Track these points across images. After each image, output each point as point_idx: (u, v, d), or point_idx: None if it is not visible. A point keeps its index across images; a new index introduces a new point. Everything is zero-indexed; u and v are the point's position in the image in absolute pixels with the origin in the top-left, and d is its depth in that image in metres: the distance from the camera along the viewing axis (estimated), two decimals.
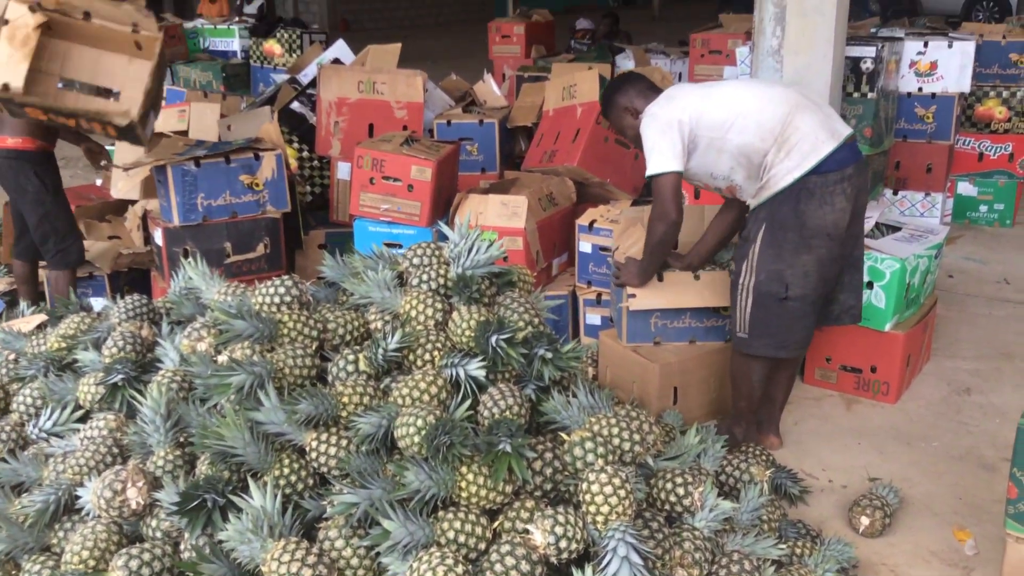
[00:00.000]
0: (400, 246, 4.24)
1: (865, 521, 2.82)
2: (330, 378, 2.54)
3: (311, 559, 2.02)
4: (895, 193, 5.66)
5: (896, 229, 3.94)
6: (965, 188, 6.09)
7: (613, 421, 2.36)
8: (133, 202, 5.20)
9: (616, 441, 2.32)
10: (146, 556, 2.19)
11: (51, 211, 4.31)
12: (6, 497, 2.51)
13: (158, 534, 2.30)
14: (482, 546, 2.12)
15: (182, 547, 2.25)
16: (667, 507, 2.34)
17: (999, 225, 6.12)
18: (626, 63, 6.67)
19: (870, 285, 3.60)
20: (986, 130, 5.97)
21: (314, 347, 2.62)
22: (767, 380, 3.32)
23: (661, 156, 3.12)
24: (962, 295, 4.85)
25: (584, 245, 4.18)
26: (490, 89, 5.79)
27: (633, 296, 3.46)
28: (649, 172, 3.14)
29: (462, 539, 2.10)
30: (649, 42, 8.59)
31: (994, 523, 2.81)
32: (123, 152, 5.25)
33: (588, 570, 2.03)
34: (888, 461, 3.27)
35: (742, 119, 3.11)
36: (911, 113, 5.49)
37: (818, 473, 3.21)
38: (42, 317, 3.68)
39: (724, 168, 3.20)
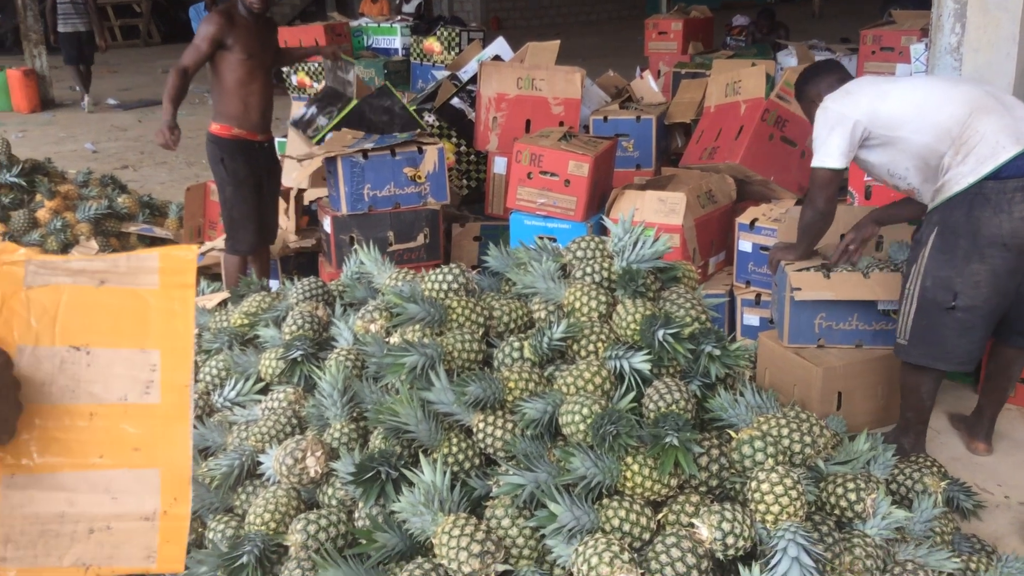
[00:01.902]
0: (555, 240, 4.30)
1: None
2: (495, 363, 2.60)
3: (480, 535, 2.09)
4: None
5: None
6: None
7: (783, 422, 2.32)
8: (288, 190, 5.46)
9: (786, 442, 2.28)
10: (323, 522, 2.31)
11: (229, 199, 4.60)
12: (195, 460, 2.70)
13: (333, 502, 2.43)
14: (646, 536, 2.13)
15: (356, 515, 2.36)
16: (837, 512, 2.28)
17: None
18: (788, 60, 6.50)
19: None
20: None
21: (480, 333, 2.69)
22: (937, 391, 3.20)
23: (824, 150, 3.11)
24: None
25: (744, 244, 4.12)
26: (647, 85, 5.77)
27: (799, 289, 3.39)
28: (812, 164, 3.15)
29: (627, 527, 2.11)
30: (808, 39, 8.34)
31: None
32: (294, 144, 5.54)
33: (755, 568, 2.01)
34: None
35: (919, 119, 3.00)
36: None
37: (993, 488, 3.05)
38: (223, 295, 3.93)
39: (900, 168, 3.10)
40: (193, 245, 1.36)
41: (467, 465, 2.38)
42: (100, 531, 1.20)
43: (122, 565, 1.21)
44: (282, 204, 5.12)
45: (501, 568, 2.10)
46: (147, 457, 1.22)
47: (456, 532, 2.09)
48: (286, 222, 5.24)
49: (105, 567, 1.20)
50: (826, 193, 3.13)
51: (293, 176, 5.16)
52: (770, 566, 2.00)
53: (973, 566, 2.49)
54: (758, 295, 4.10)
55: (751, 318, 4.15)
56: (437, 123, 5.78)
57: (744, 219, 4.12)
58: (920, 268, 3.04)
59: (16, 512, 1.16)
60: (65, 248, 5.53)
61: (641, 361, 2.43)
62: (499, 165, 5.37)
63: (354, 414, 2.60)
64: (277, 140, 5.25)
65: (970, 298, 2.95)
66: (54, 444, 1.18)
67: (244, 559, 2.24)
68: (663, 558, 2.02)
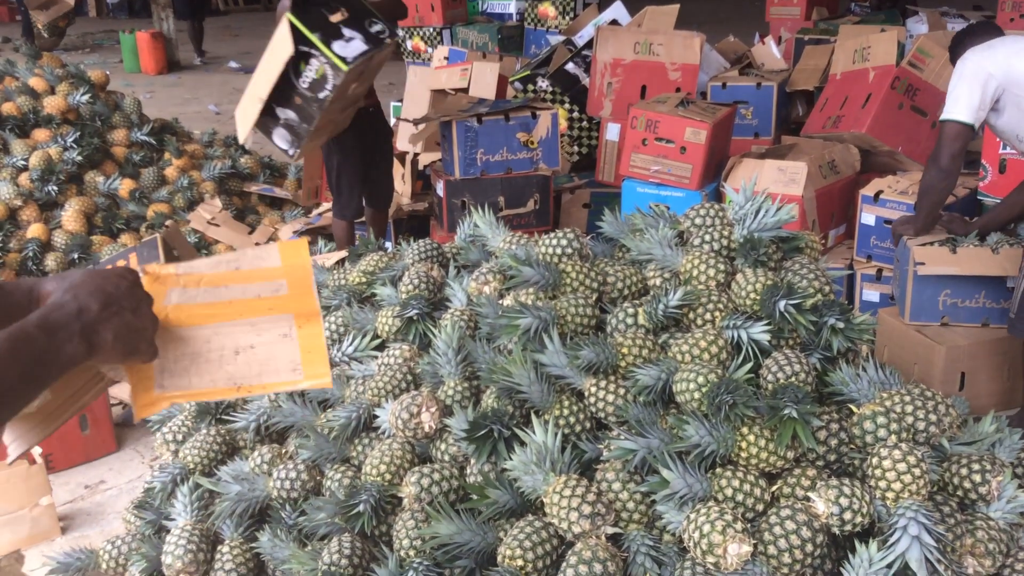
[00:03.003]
0: (667, 208, 4.26)
1: None
2: (608, 329, 2.60)
3: (591, 496, 2.10)
4: None
5: None
6: None
7: (908, 399, 2.25)
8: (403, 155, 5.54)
9: (910, 419, 2.21)
10: (436, 476, 2.37)
11: (336, 167, 4.70)
12: (314, 410, 2.81)
13: (446, 457, 2.48)
14: (759, 507, 2.11)
15: (468, 472, 2.42)
16: (960, 493, 2.21)
17: None
18: (918, 27, 6.20)
19: None
20: None
21: (594, 298, 2.69)
22: None
23: (956, 103, 3.01)
24: None
25: (867, 217, 3.98)
26: (769, 51, 5.60)
27: (922, 263, 3.26)
28: (941, 117, 3.05)
29: (740, 498, 2.10)
30: (939, 6, 7.91)
31: None
32: (410, 107, 5.63)
33: (873, 545, 1.97)
34: None
35: None
36: None
37: None
38: (341, 254, 4.05)
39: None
40: (304, 239, 1.52)
41: (578, 428, 2.40)
42: (245, 351, 1.30)
43: (271, 380, 1.30)
44: (398, 168, 5.21)
45: (611, 530, 2.11)
46: (281, 309, 1.34)
47: (567, 492, 2.12)
48: (402, 186, 5.34)
49: (256, 383, 1.29)
50: (951, 149, 3.01)
51: (408, 140, 5.24)
52: (888, 544, 1.95)
53: None
54: (879, 270, 3.97)
55: (871, 294, 4.02)
56: (551, 88, 5.76)
57: (868, 191, 3.98)
58: None
59: (168, 347, 1.26)
60: (191, 205, 5.78)
61: (761, 331, 2.39)
62: (612, 132, 5.32)
63: (467, 373, 2.64)
64: (392, 104, 5.35)
65: None
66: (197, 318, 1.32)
67: (360, 508, 2.32)
68: (776, 530, 1.99)
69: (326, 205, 5.55)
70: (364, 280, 3.31)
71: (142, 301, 1.21)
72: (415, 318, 2.90)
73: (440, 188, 4.83)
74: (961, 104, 2.98)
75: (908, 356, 3.41)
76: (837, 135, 4.39)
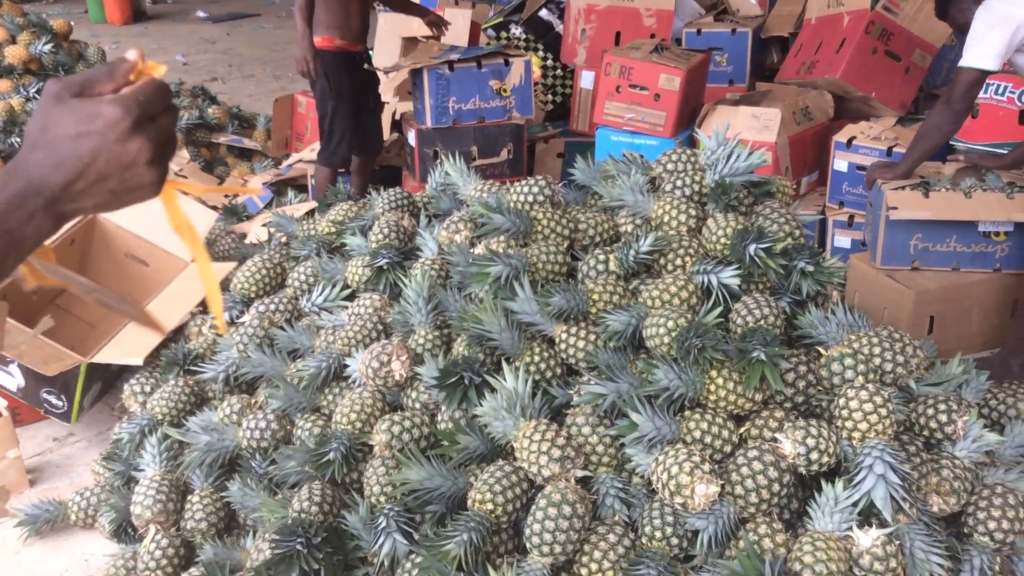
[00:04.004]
0: (641, 157, 4.23)
1: None
2: (580, 276, 2.59)
3: (560, 441, 2.11)
4: None
5: None
6: None
7: (876, 341, 2.26)
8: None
9: (877, 360, 2.23)
10: (407, 423, 2.37)
11: (330, 113, 4.58)
12: (283, 361, 2.79)
13: (417, 405, 2.48)
14: (727, 449, 2.12)
15: (438, 418, 2.41)
16: (926, 433, 2.23)
17: None
18: None
19: None
20: None
21: (565, 245, 2.68)
22: None
23: (979, 51, 2.96)
24: None
25: (840, 163, 3.97)
26: None
27: (895, 208, 3.27)
28: (962, 63, 2.99)
29: (708, 440, 2.11)
30: None
31: None
32: (381, 55, 5.53)
33: (839, 484, 1.99)
34: None
35: None
36: None
37: None
38: (311, 204, 4.00)
39: None
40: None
41: (549, 374, 2.40)
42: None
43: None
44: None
45: (580, 473, 2.12)
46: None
47: (537, 437, 2.12)
48: (387, 136, 5.24)
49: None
50: (969, 96, 3.00)
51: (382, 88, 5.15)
52: (854, 482, 1.97)
53: None
54: (851, 217, 3.98)
55: (842, 240, 4.03)
56: (524, 36, 5.67)
57: (841, 137, 3.97)
58: None
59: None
60: None
61: (730, 276, 2.39)
62: (586, 79, 5.26)
63: (438, 322, 2.63)
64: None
65: None
66: None
67: (331, 455, 2.31)
68: (744, 471, 2.01)
69: (296, 156, 5.47)
70: (333, 230, 3.27)
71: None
72: (385, 267, 2.87)
73: (412, 137, 4.77)
74: (987, 51, 2.93)
75: (878, 301, 3.43)
76: (811, 81, 4.37)
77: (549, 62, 5.72)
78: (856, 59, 4.21)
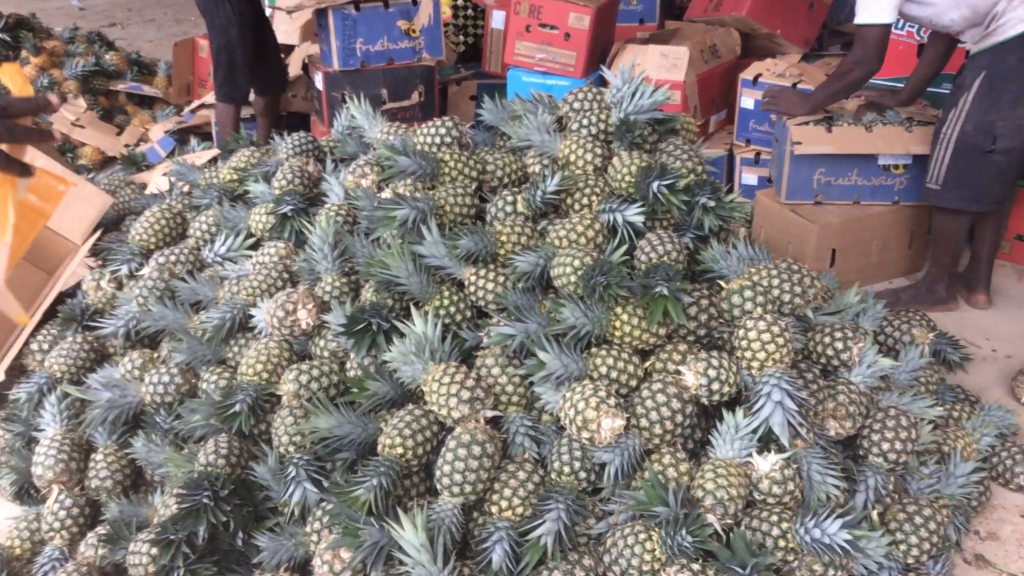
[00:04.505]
0: (550, 97, 4.22)
1: None
2: (488, 218, 2.57)
3: (470, 382, 2.11)
4: None
5: None
6: None
7: (774, 272, 2.31)
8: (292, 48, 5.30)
9: (776, 292, 2.28)
10: (315, 372, 2.34)
11: (232, 42, 4.37)
12: (186, 313, 2.72)
13: (325, 353, 2.45)
14: (633, 383, 2.16)
15: (348, 366, 2.39)
16: (823, 360, 2.30)
17: None
18: None
19: None
20: None
21: (473, 187, 2.65)
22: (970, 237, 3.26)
23: (876, 7, 2.99)
24: None
25: (746, 101, 4.01)
26: None
27: (799, 143, 3.32)
28: (859, 20, 3.02)
29: (614, 375, 2.14)
30: None
31: None
32: None
33: (739, 412, 2.04)
34: None
35: None
36: None
37: (981, 342, 3.08)
38: (214, 152, 3.87)
39: (946, 19, 3.04)
40: None
41: (458, 317, 2.39)
42: None
43: None
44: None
45: (490, 414, 2.13)
46: None
47: (446, 380, 2.11)
48: (295, 69, 5.08)
49: None
50: (879, 51, 3.03)
51: (281, 30, 4.98)
52: (753, 410, 2.03)
53: (956, 414, 2.54)
54: (758, 154, 4.03)
55: (749, 177, 4.09)
56: None
57: (747, 74, 4.00)
58: (961, 113, 3.03)
59: None
60: None
61: (635, 214, 2.40)
62: (497, 19, 5.17)
63: (345, 268, 2.59)
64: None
65: (1010, 140, 3.00)
66: None
67: (237, 407, 2.27)
68: (648, 403, 2.04)
69: (198, 101, 5.28)
70: (235, 177, 3.18)
71: None
72: (289, 214, 2.81)
73: (319, 81, 4.63)
74: (883, 5, 2.98)
75: (784, 235, 3.51)
76: (719, 18, 4.38)
77: (460, 2, 5.61)
78: None
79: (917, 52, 3.71)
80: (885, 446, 2.16)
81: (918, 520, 2.06)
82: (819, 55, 4.30)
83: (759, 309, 2.19)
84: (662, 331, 2.22)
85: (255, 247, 2.88)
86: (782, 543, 1.89)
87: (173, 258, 2.91)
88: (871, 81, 3.87)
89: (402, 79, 4.64)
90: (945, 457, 2.33)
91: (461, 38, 5.67)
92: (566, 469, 2.07)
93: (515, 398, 2.21)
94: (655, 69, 4.03)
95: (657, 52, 4.09)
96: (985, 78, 2.96)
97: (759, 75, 3.94)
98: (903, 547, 2.05)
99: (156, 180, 4.02)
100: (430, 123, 2.82)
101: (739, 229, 3.35)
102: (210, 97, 5.03)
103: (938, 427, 2.44)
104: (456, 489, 2.00)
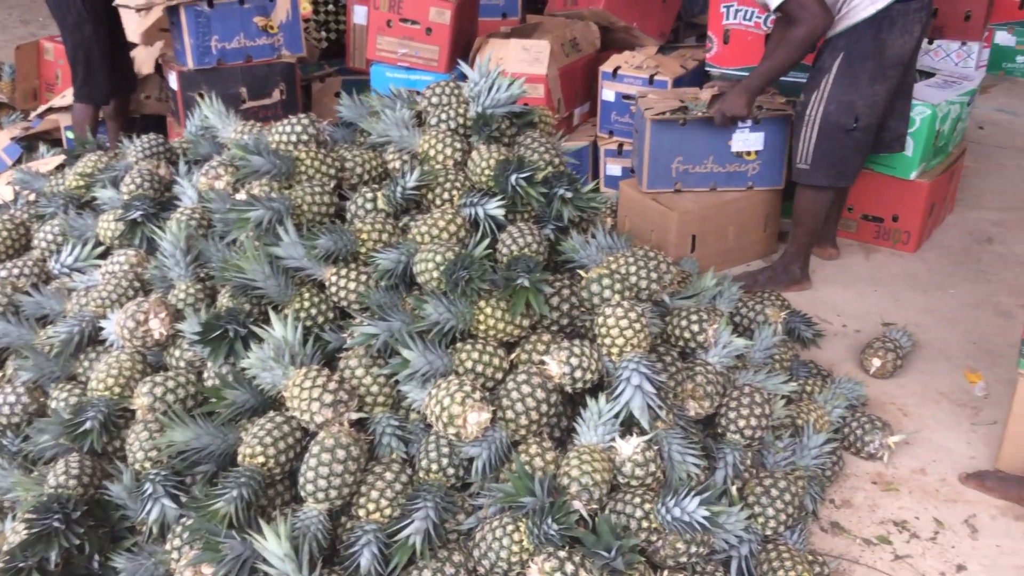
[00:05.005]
0: (409, 92, 4.20)
1: (876, 363, 2.85)
2: (348, 216, 2.54)
3: (332, 385, 2.07)
4: (930, 42, 5.43)
5: (930, 75, 3.81)
6: (1003, 38, 5.85)
7: (631, 260, 2.36)
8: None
9: (633, 279, 2.33)
10: (170, 384, 2.24)
11: (87, 39, 4.16)
12: (32, 328, 2.57)
13: (181, 364, 2.36)
14: (499, 376, 2.16)
15: (205, 376, 2.31)
16: (681, 343, 2.37)
17: None
18: None
19: None
20: None
21: (332, 185, 2.61)
22: None
23: None
24: (991, 147, 4.74)
25: (607, 93, 4.08)
26: None
27: (656, 132, 3.40)
28: (775, 3, 3.02)
29: (480, 368, 2.14)
30: None
31: (1007, 367, 2.84)
32: None
33: (601, 399, 2.08)
34: (904, 308, 3.29)
35: None
36: None
37: (832, 319, 3.24)
38: (60, 158, 3.67)
39: None
40: None
41: (320, 319, 2.34)
42: None
43: None
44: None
45: (355, 416, 2.10)
46: None
47: (307, 384, 2.07)
48: (149, 69, 4.85)
49: None
50: (818, 5, 3.00)
51: (131, 28, 4.77)
52: (615, 395, 2.06)
53: (808, 388, 2.66)
54: (620, 145, 4.11)
55: (614, 168, 4.17)
56: None
57: (607, 67, 4.07)
58: (823, 94, 3.16)
59: None
60: None
61: (495, 207, 2.41)
62: (359, 14, 5.10)
63: (200, 274, 2.50)
64: None
65: (868, 117, 3.16)
66: None
67: (88, 425, 2.16)
68: (514, 395, 2.05)
69: (45, 106, 4.99)
70: (82, 183, 3.02)
71: None
72: (140, 220, 2.69)
73: (173, 81, 4.46)
74: None
75: (647, 223, 3.59)
76: (577, 12, 4.44)
77: None
78: None
79: (764, 41, 3.85)
80: (741, 423, 2.24)
81: (774, 492, 2.15)
82: (675, 47, 4.42)
83: (617, 296, 2.24)
84: (526, 322, 2.23)
85: (104, 256, 2.75)
86: (645, 524, 1.94)
87: (16, 271, 2.75)
88: (725, 72, 4.02)
89: (262, 77, 4.51)
90: (799, 430, 2.44)
91: (323, 34, 5.57)
92: (434, 467, 2.06)
93: (381, 398, 2.18)
94: (517, 63, 4.05)
95: (519, 46, 4.11)
96: (843, 59, 3.10)
97: (618, 67, 4.02)
98: (761, 519, 2.13)
99: (0, 190, 3.79)
100: (285, 121, 2.76)
101: (606, 219, 3.42)
102: (59, 100, 4.77)
103: (792, 402, 2.55)
104: (321, 495, 1.96)
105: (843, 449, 2.57)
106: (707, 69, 4.10)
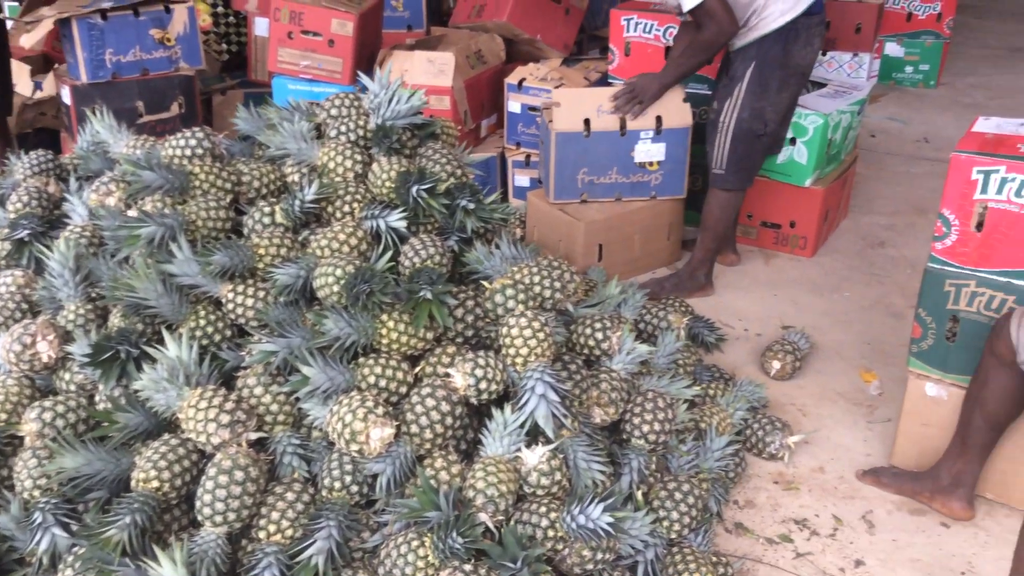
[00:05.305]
0: (308, 104, 4.15)
1: (776, 365, 2.93)
2: (246, 231, 2.48)
3: (229, 405, 2.01)
4: (824, 54, 5.64)
5: (821, 86, 3.94)
6: (892, 49, 6.12)
7: (535, 270, 2.37)
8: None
9: (537, 288, 2.34)
10: (60, 408, 2.16)
11: None
12: None
13: (72, 387, 2.27)
14: (403, 390, 2.14)
15: (97, 399, 2.22)
16: (586, 351, 2.39)
17: (923, 86, 6.19)
18: None
19: (792, 141, 3.63)
20: None
21: (228, 199, 2.54)
22: None
23: None
24: (882, 154, 4.94)
25: (513, 105, 4.11)
26: None
27: (562, 143, 3.43)
28: (691, 4, 3.10)
29: (383, 383, 2.11)
30: None
31: (899, 366, 2.94)
32: (27, 4, 4.92)
33: (507, 409, 2.07)
34: (802, 311, 3.39)
35: None
36: None
37: (734, 323, 3.31)
38: None
39: None
40: None
41: (217, 337, 2.28)
42: None
43: None
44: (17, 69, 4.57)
45: (254, 436, 2.05)
46: None
47: (203, 404, 2.01)
48: (29, 88, 4.67)
49: None
50: (729, 13, 3.12)
51: (23, 41, 4.59)
52: (520, 405, 2.06)
53: (712, 392, 2.72)
54: (528, 156, 4.14)
55: (522, 179, 4.20)
56: None
57: (512, 79, 4.09)
58: (737, 101, 3.28)
59: None
60: None
61: (397, 219, 2.39)
62: (260, 26, 5.03)
63: (91, 294, 2.41)
64: (7, 4, 4.65)
65: (775, 124, 3.34)
66: None
67: None
68: (418, 409, 2.03)
69: None
70: None
71: None
72: (27, 239, 2.59)
73: (66, 96, 4.30)
74: None
75: (555, 234, 3.62)
76: (482, 24, 4.46)
77: (220, 8, 5.40)
78: (520, 2, 4.36)
79: (664, 54, 3.93)
80: (645, 428, 2.26)
81: (678, 496, 2.18)
82: (578, 59, 4.48)
83: (521, 306, 2.24)
84: (429, 335, 2.22)
85: None
86: (551, 533, 1.94)
87: None
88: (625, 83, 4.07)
89: (159, 90, 4.39)
90: (703, 433, 2.48)
91: (224, 46, 5.46)
92: (337, 485, 2.02)
93: (281, 417, 2.13)
94: (423, 75, 4.05)
95: (424, 58, 4.10)
96: (755, 68, 3.22)
97: (523, 79, 4.05)
98: (666, 523, 2.15)
99: None
100: (179, 135, 2.68)
101: (515, 229, 3.42)
102: None
103: (696, 405, 2.60)
104: (219, 518, 1.90)
105: (746, 450, 2.63)
106: (610, 81, 4.17)
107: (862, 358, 3.08)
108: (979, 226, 2.20)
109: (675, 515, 2.16)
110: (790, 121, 3.54)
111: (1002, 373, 2.17)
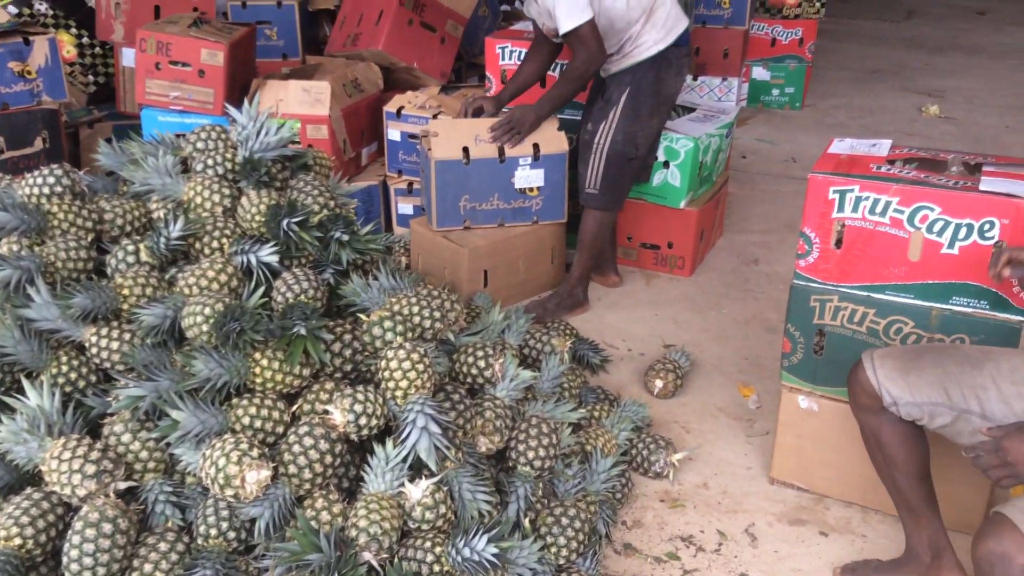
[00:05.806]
0: (174, 137, 4.03)
1: (659, 384, 2.98)
2: (109, 271, 2.38)
3: (94, 455, 1.91)
4: (695, 79, 5.85)
5: (691, 110, 4.07)
6: (759, 73, 6.38)
7: (413, 300, 2.34)
8: None
9: (416, 319, 2.31)
10: None
11: None
12: None
13: None
14: (280, 429, 2.08)
15: None
16: (469, 379, 2.37)
17: (789, 108, 6.47)
18: None
19: (666, 164, 3.73)
20: (778, 15, 6.23)
21: (90, 239, 2.43)
22: None
23: (575, 10, 3.14)
24: (753, 174, 5.13)
25: (393, 133, 4.09)
26: None
27: (441, 171, 3.44)
28: (566, 28, 3.16)
29: (258, 424, 2.05)
30: None
31: (774, 379, 3.03)
32: None
33: (388, 444, 2.04)
34: (683, 329, 3.47)
35: None
36: None
37: (619, 344, 3.36)
38: None
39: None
40: None
41: (81, 384, 2.18)
42: None
43: None
44: None
45: (123, 485, 1.95)
46: None
47: (67, 455, 1.90)
48: None
49: None
50: (599, 41, 3.19)
51: None
52: (402, 439, 2.03)
53: (596, 413, 2.74)
54: (410, 184, 4.12)
55: (405, 207, 4.17)
56: (51, 11, 5.09)
57: (391, 107, 4.07)
58: (611, 124, 3.38)
59: None
60: None
61: (268, 254, 2.33)
62: (128, 57, 4.86)
63: None
64: None
65: (645, 148, 3.48)
66: None
67: None
68: (296, 448, 1.98)
69: None
70: None
71: None
72: None
73: None
74: (581, 6, 3.13)
75: (439, 261, 3.60)
76: (357, 53, 4.43)
77: (86, 39, 5.20)
78: (395, 31, 4.35)
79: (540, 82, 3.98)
80: (530, 454, 2.26)
81: (564, 521, 2.18)
82: (456, 86, 4.49)
83: (400, 338, 2.21)
84: (306, 372, 2.16)
85: None
86: (437, 568, 1.91)
87: None
88: (505, 110, 4.11)
89: (21, 125, 4.19)
90: (588, 456, 2.50)
91: (91, 78, 5.25)
92: (213, 531, 1.94)
93: (152, 464, 2.04)
94: (299, 104, 3.99)
95: (299, 87, 4.04)
96: (629, 94, 3.34)
97: (402, 107, 4.03)
98: (553, 549, 2.15)
99: None
100: (36, 172, 2.55)
101: (400, 258, 3.39)
102: None
103: (581, 428, 2.61)
104: (88, 574, 1.80)
105: (632, 470, 2.66)
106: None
107: (740, 373, 3.17)
108: (838, 243, 2.29)
109: (562, 540, 2.16)
110: (656, 148, 3.67)
111: (883, 424, 2.04)
